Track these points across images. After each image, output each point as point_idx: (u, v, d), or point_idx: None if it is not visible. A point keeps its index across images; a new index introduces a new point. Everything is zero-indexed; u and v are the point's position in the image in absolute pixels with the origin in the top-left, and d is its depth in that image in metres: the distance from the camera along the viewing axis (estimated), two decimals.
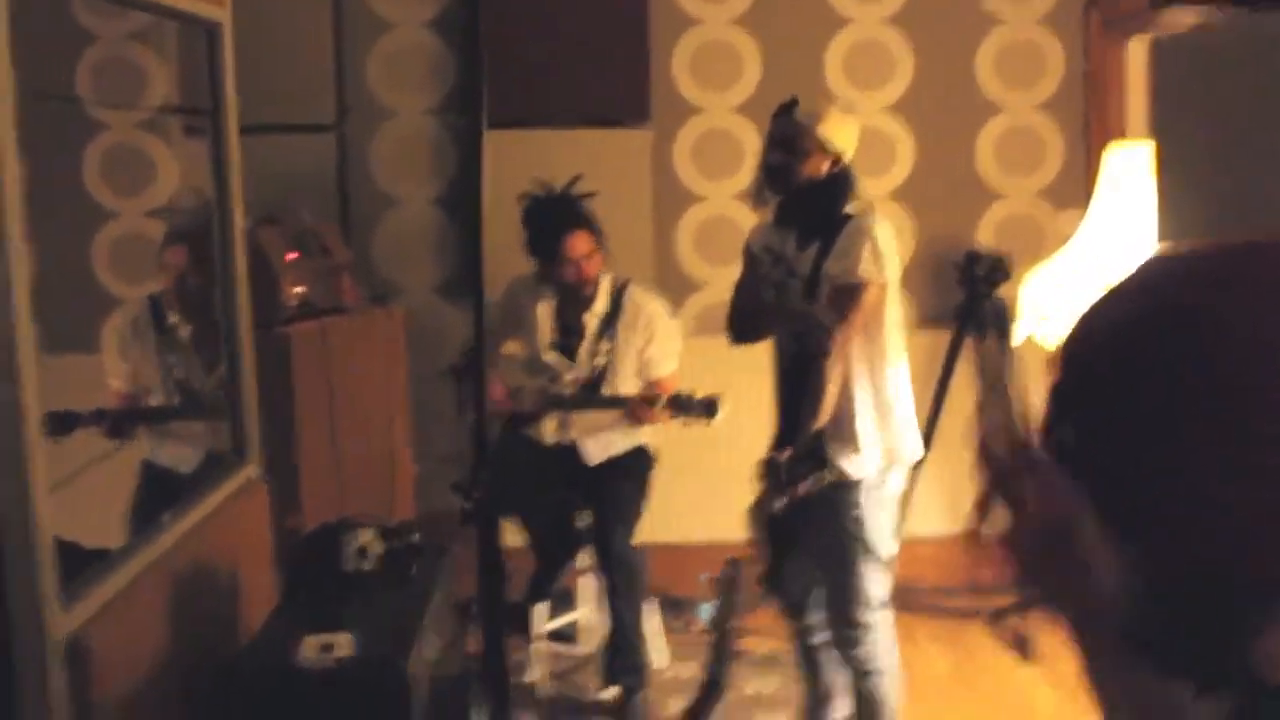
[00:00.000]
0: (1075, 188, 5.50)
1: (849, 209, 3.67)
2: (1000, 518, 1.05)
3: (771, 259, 3.77)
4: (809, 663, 3.99)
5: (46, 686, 2.53)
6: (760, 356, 3.84)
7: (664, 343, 4.66)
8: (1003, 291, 5.14)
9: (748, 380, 4.01)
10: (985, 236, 5.67)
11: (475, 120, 2.94)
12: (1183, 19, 2.79)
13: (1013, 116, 5.67)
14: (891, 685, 3.77)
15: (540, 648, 4.74)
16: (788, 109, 3.70)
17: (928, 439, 5.04)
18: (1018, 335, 4.76)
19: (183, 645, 3.13)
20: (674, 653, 4.91)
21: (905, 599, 5.13)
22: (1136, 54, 5.43)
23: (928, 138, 5.66)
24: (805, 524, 3.64)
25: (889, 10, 5.63)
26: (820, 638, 3.89)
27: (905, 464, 3.76)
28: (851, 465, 3.62)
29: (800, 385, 3.58)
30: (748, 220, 4.11)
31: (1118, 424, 0.92)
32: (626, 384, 4.59)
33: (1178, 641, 0.90)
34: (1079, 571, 0.97)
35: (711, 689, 3.78)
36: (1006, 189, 5.69)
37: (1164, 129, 2.93)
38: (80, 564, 2.78)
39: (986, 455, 1.08)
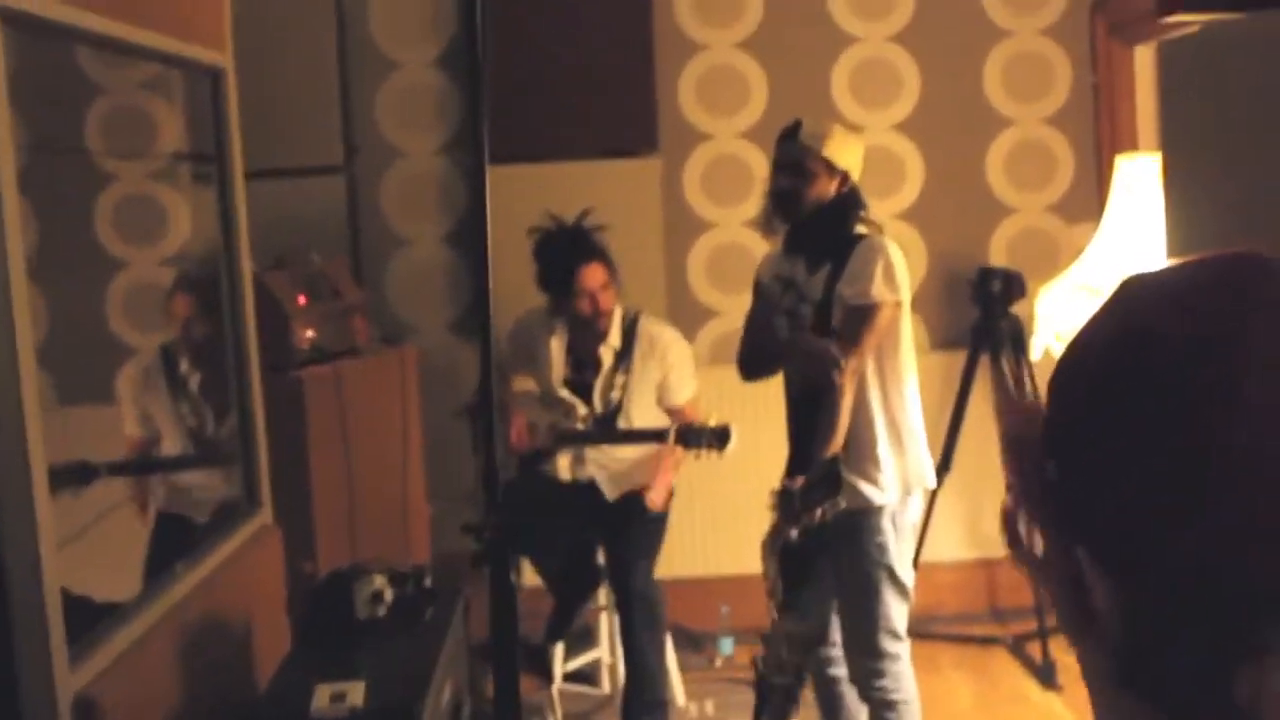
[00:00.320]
0: (1087, 200, 5.46)
1: (859, 230, 3.64)
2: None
3: (782, 287, 3.73)
4: (827, 696, 3.92)
5: None
6: (776, 385, 3.81)
7: (681, 370, 4.63)
8: (1018, 308, 5.10)
9: (764, 409, 3.98)
10: (998, 253, 5.63)
11: (478, 156, 2.92)
12: (1189, 23, 2.75)
13: (1022, 130, 5.63)
14: (913, 717, 3.71)
15: (559, 689, 4.68)
16: (792, 132, 3.68)
17: (946, 462, 5.00)
18: (1034, 351, 4.71)
19: (194, 697, 3.11)
20: (693, 689, 4.86)
21: (926, 626, 5.09)
22: (1144, 63, 5.39)
23: (937, 155, 5.63)
24: (825, 553, 3.59)
25: (894, 28, 5.60)
26: (839, 670, 3.83)
27: (923, 489, 3.73)
28: (873, 490, 3.58)
29: (812, 413, 3.54)
30: (759, 246, 4.09)
31: (1088, 455, 0.90)
32: (642, 417, 4.55)
33: (1162, 670, 0.89)
34: (1078, 598, 0.96)
35: None
36: (1018, 204, 5.65)
37: (1172, 137, 2.89)
38: (90, 619, 2.75)
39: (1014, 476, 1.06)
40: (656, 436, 4.32)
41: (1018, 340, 5.04)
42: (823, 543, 3.52)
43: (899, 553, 3.62)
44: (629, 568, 4.42)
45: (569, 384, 4.60)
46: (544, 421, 4.57)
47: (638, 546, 4.48)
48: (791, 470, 3.56)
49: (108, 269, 4.56)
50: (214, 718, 3.13)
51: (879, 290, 3.51)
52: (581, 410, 4.57)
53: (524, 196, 4.90)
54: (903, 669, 3.67)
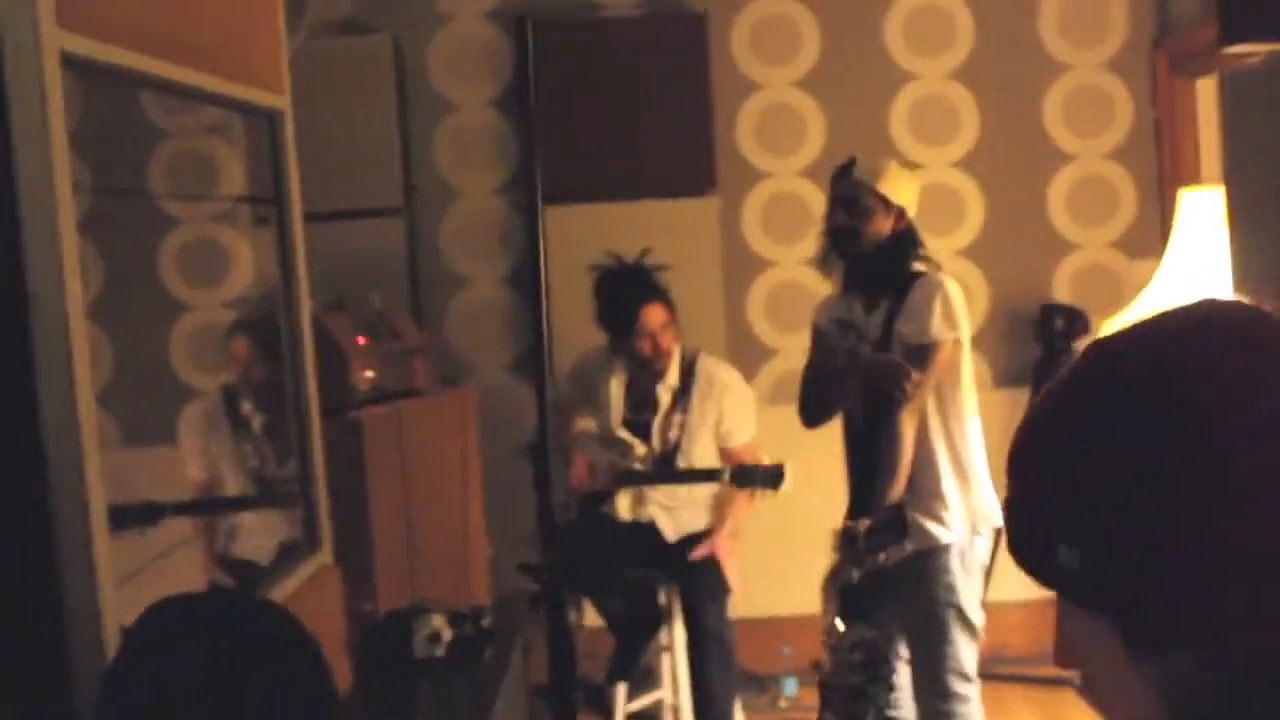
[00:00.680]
0: (1150, 236, 5.39)
1: (916, 266, 3.62)
2: None
3: (840, 328, 3.71)
4: None
5: None
6: (835, 425, 3.78)
7: (738, 411, 4.61)
8: (1080, 344, 5.04)
9: (824, 448, 3.94)
10: (1060, 289, 5.56)
11: (531, 196, 2.93)
12: (1252, 55, 2.72)
13: (1083, 165, 5.58)
14: None
15: None
16: (846, 170, 3.67)
17: None
18: None
19: None
20: None
21: (993, 667, 5.00)
22: (1207, 95, 5.33)
23: (997, 192, 5.59)
24: (891, 595, 3.54)
25: (952, 64, 5.58)
26: (902, 712, 3.77)
27: (990, 528, 3.67)
28: (939, 529, 3.54)
29: (872, 452, 3.51)
30: (819, 285, 4.07)
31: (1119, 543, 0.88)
32: (703, 457, 4.53)
33: None
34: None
35: None
36: (1080, 240, 5.59)
37: (1235, 169, 2.85)
38: None
39: None
40: (711, 476, 4.30)
41: None
42: (884, 586, 3.47)
43: (968, 592, 3.58)
44: (700, 609, 4.39)
45: (628, 424, 4.59)
46: (603, 461, 4.57)
47: (708, 587, 4.45)
48: (853, 511, 3.53)
49: (172, 311, 4.62)
50: None
51: (938, 328, 3.48)
52: (640, 450, 4.56)
53: (583, 236, 4.92)
54: (972, 710, 3.62)
